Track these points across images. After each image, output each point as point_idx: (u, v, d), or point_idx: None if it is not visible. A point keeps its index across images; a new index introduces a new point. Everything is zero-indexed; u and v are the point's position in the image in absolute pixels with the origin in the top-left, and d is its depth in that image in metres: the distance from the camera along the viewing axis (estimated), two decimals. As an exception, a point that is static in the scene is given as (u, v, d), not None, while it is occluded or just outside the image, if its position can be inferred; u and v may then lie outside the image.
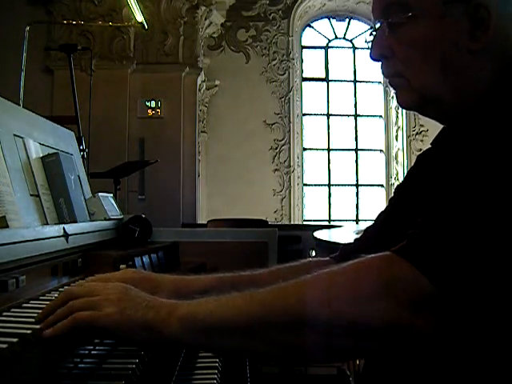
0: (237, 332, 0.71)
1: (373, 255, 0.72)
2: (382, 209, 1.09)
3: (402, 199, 1.02)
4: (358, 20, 7.62)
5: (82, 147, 3.01)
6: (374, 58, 0.89)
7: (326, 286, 0.71)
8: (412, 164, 1.05)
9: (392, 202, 1.06)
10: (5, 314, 0.82)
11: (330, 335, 0.68)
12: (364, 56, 7.57)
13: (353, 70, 7.65)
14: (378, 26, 0.88)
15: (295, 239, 5.13)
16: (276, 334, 0.70)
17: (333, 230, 4.81)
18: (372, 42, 0.89)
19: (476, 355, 0.74)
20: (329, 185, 7.55)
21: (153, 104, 5.30)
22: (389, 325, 0.67)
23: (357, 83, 7.65)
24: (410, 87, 0.86)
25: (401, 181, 1.06)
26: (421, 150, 6.97)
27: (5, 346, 0.65)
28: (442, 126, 0.96)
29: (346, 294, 0.69)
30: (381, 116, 7.65)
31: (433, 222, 0.71)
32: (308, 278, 0.74)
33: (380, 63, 0.90)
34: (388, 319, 0.67)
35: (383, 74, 0.90)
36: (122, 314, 0.74)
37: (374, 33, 0.89)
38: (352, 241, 1.12)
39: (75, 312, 0.74)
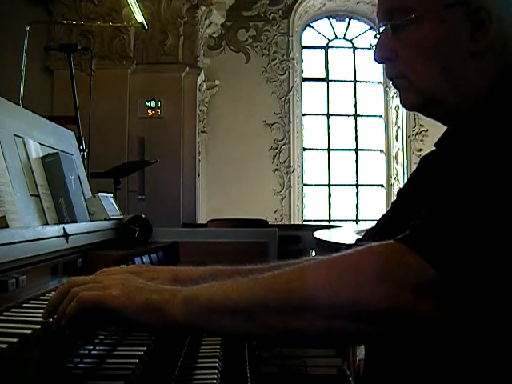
0: (239, 313, 0.72)
1: (376, 243, 0.72)
2: (385, 211, 1.10)
3: (404, 201, 1.03)
4: (358, 20, 7.62)
5: (82, 147, 3.01)
6: (377, 60, 0.91)
7: (329, 270, 0.72)
8: (412, 164, 1.06)
9: (394, 204, 1.06)
10: (5, 313, 0.82)
11: (331, 318, 0.69)
12: (364, 56, 7.58)
13: (353, 70, 7.65)
14: (382, 29, 0.90)
15: (295, 239, 5.13)
16: (277, 316, 0.71)
17: (333, 230, 4.82)
18: (376, 45, 0.90)
19: (478, 351, 0.74)
20: (329, 185, 7.55)
21: (153, 104, 5.30)
22: (390, 308, 0.68)
23: (357, 83, 7.65)
24: (413, 88, 0.88)
25: (403, 182, 1.07)
26: (421, 149, 6.98)
27: (5, 346, 0.65)
28: (442, 127, 0.97)
29: (347, 277, 0.70)
30: (381, 116, 7.65)
31: (435, 212, 0.72)
32: (311, 263, 0.75)
33: (384, 65, 0.91)
34: (389, 302, 0.68)
35: (387, 75, 0.92)
36: (127, 296, 0.75)
37: (378, 36, 0.90)
38: (354, 241, 1.12)
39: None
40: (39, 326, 0.76)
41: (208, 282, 0.78)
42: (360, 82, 7.64)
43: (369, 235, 1.09)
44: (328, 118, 7.59)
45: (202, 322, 0.74)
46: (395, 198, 1.08)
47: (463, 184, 0.72)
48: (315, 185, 7.53)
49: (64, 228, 1.26)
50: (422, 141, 7.11)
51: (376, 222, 1.10)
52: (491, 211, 0.68)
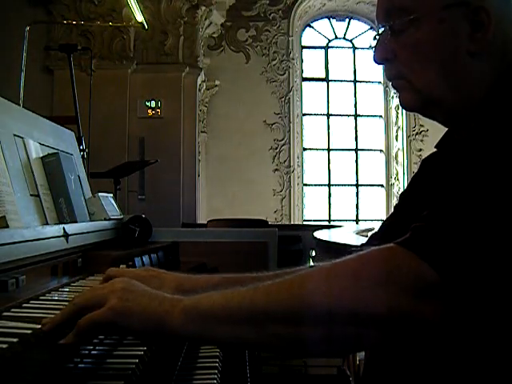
0: (239, 322, 0.72)
1: (376, 247, 0.72)
2: (385, 211, 1.10)
3: (406, 204, 1.03)
4: (358, 20, 7.62)
5: (82, 147, 3.00)
6: (377, 61, 0.91)
7: (328, 275, 0.71)
8: (412, 164, 1.06)
9: (397, 208, 1.06)
10: (5, 314, 0.82)
11: (331, 324, 0.68)
12: (364, 56, 7.58)
13: (353, 70, 7.66)
14: (381, 30, 0.90)
15: (295, 239, 5.14)
16: (278, 324, 0.70)
17: (333, 230, 4.82)
18: (375, 46, 0.90)
19: (478, 352, 0.74)
20: (329, 185, 7.55)
21: (153, 104, 5.31)
22: (390, 312, 0.67)
23: (357, 83, 7.65)
24: (412, 88, 0.88)
25: (403, 182, 1.07)
26: (421, 149, 6.98)
27: (5, 345, 0.65)
28: (442, 127, 0.97)
29: (347, 282, 0.69)
30: (381, 116, 7.65)
31: (435, 214, 0.71)
32: (311, 270, 0.75)
33: (383, 66, 0.91)
34: (390, 306, 0.67)
35: (386, 76, 0.92)
36: (124, 304, 0.74)
37: (378, 37, 0.90)
38: (359, 245, 1.12)
39: (80, 309, 0.75)
40: (39, 326, 0.76)
41: (213, 291, 0.77)
42: (360, 82, 7.64)
43: (373, 240, 1.09)
44: (328, 118, 7.59)
45: (201, 331, 0.73)
46: (397, 202, 1.08)
47: (463, 185, 0.72)
48: (315, 185, 7.54)
49: (64, 228, 1.26)
50: (422, 141, 7.11)
51: (380, 225, 1.10)
52: (491, 212, 0.68)
